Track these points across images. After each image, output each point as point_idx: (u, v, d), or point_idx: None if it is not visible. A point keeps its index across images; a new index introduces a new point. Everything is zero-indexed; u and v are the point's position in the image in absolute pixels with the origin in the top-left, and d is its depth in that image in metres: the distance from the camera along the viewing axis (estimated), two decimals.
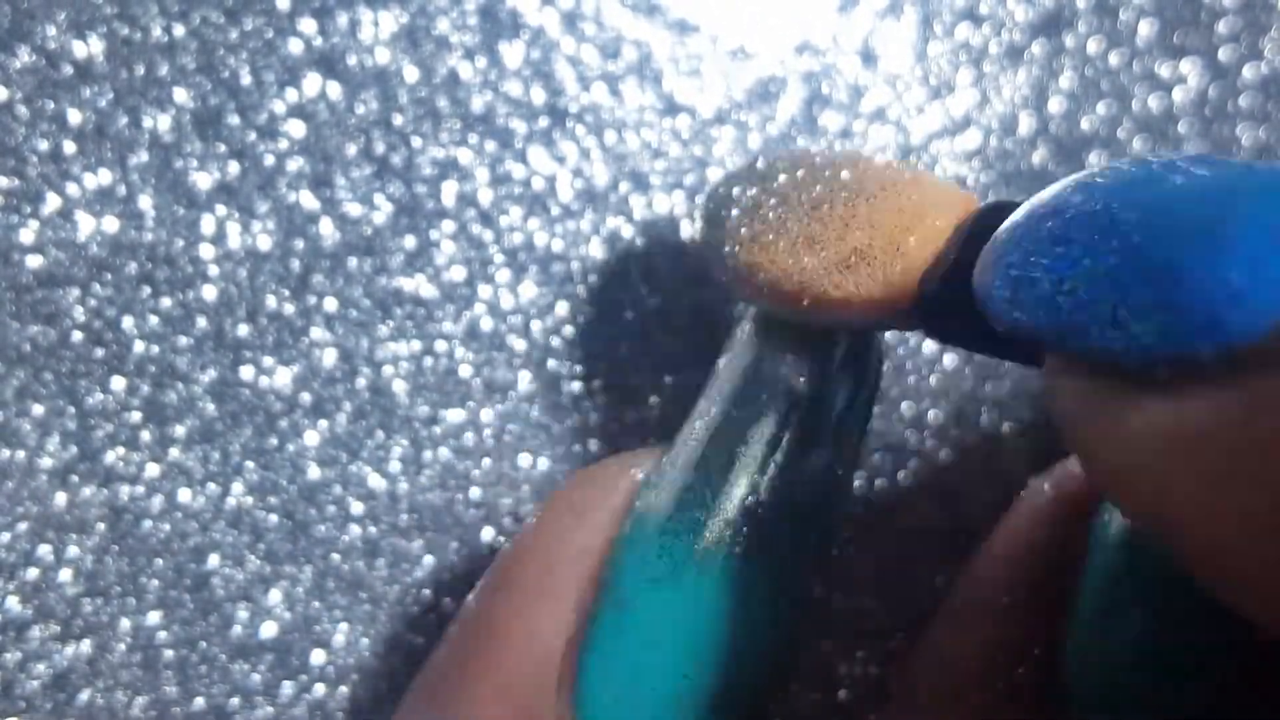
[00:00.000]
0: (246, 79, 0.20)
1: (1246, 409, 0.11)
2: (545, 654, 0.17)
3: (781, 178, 0.17)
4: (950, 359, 0.23)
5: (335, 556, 0.21)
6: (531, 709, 0.17)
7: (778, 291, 0.16)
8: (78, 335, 0.20)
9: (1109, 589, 0.18)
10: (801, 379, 0.17)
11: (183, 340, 0.21)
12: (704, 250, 0.17)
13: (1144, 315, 0.12)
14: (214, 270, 0.21)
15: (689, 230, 0.22)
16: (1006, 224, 0.14)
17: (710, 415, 0.17)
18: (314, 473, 0.21)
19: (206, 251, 0.21)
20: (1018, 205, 0.15)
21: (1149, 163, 0.13)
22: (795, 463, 0.17)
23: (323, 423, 0.21)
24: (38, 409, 0.20)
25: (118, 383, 0.21)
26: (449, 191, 0.21)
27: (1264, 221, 0.11)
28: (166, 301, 0.21)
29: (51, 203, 0.20)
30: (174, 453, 0.21)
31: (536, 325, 0.21)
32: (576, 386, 0.22)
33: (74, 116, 0.20)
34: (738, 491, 0.16)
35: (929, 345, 0.23)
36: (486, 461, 0.21)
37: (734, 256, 0.16)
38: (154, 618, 0.21)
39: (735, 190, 0.17)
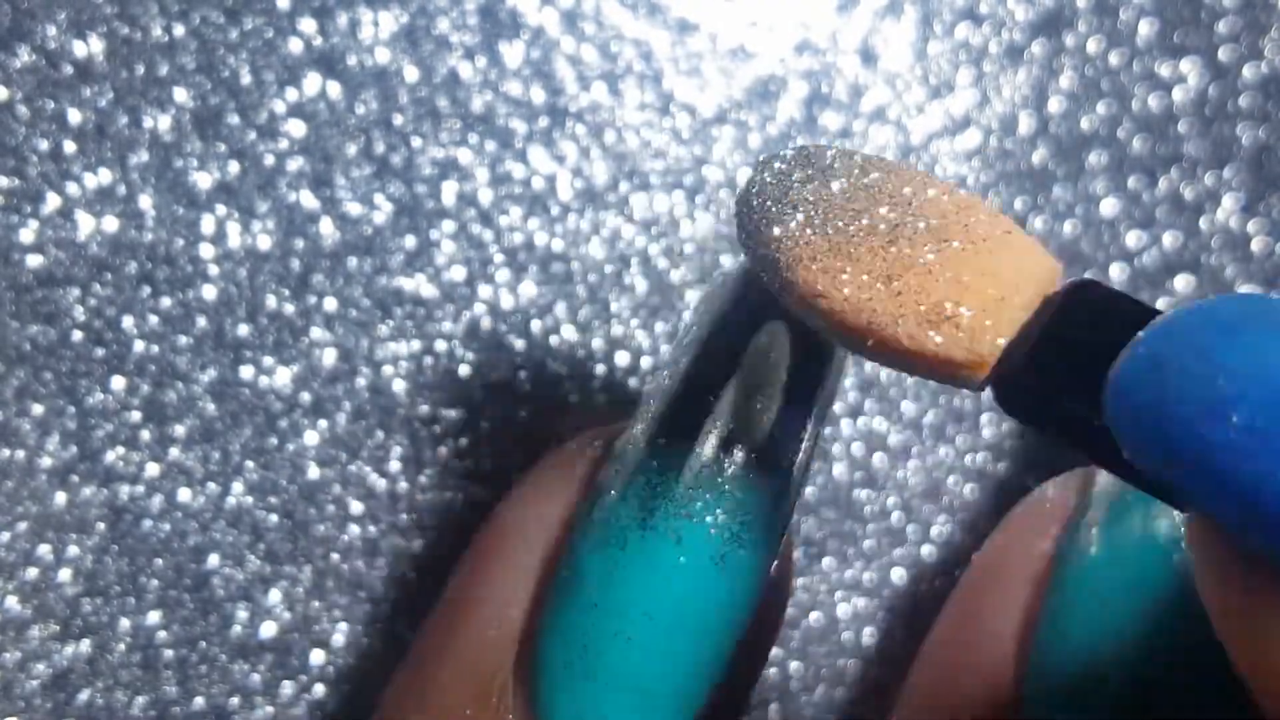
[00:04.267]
0: (246, 78, 0.21)
1: None
2: (506, 628, 0.17)
3: (852, 183, 0.15)
4: None
5: (335, 556, 0.21)
6: (491, 683, 0.17)
7: (840, 323, 0.14)
8: (78, 335, 0.20)
9: (1077, 602, 0.18)
10: (773, 351, 0.17)
11: (183, 340, 0.21)
12: (744, 241, 0.15)
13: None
14: (214, 270, 0.21)
15: (690, 230, 0.22)
16: (1135, 360, 0.12)
17: (673, 382, 0.17)
18: (314, 472, 0.21)
19: (206, 251, 0.21)
20: (1109, 291, 0.14)
21: None
22: (757, 430, 0.16)
23: (322, 422, 0.21)
24: (38, 408, 0.20)
25: (118, 382, 0.21)
26: (449, 191, 0.21)
27: None
28: (166, 301, 0.21)
29: (52, 202, 0.20)
30: (174, 452, 0.21)
31: (536, 325, 0.21)
32: (576, 386, 0.22)
33: (74, 116, 0.20)
34: (696, 460, 0.16)
35: None
36: (486, 461, 0.21)
37: (791, 270, 0.14)
38: (154, 617, 0.21)
39: (795, 181, 0.15)
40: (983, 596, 0.20)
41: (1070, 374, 0.13)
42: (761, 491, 0.16)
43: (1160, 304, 0.23)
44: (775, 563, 0.17)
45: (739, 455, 0.16)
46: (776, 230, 0.14)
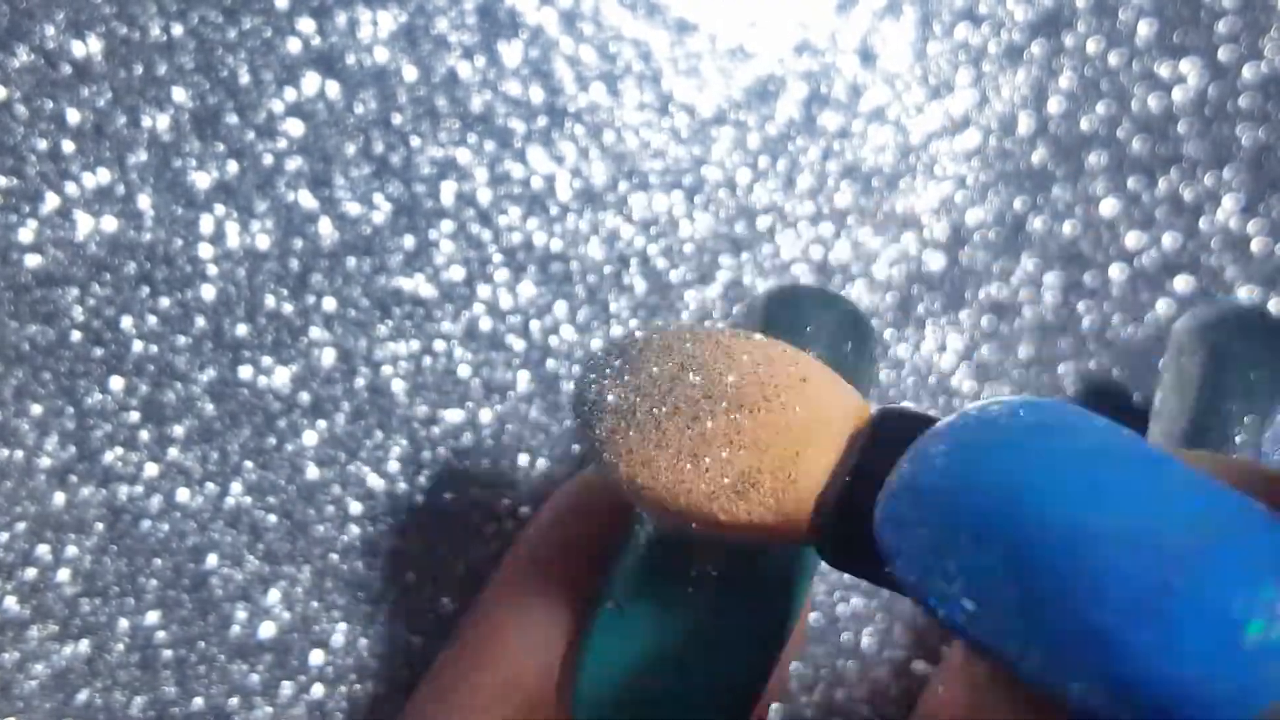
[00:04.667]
0: (245, 78, 0.20)
1: None
2: (545, 652, 0.17)
3: (654, 370, 0.15)
4: (949, 359, 0.23)
5: (334, 556, 0.21)
6: (532, 704, 0.17)
7: (665, 511, 0.14)
8: (76, 335, 0.20)
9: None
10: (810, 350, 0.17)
11: (181, 340, 0.21)
12: (582, 447, 0.16)
13: (1087, 678, 0.10)
14: (213, 270, 0.21)
15: (690, 230, 0.22)
16: (900, 473, 0.12)
17: None
18: (313, 472, 0.21)
19: (205, 251, 0.21)
20: (912, 414, 0.14)
21: (1062, 413, 0.12)
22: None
23: (321, 422, 0.21)
24: (36, 408, 0.20)
25: (116, 382, 0.21)
26: (448, 191, 0.21)
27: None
28: (165, 301, 0.21)
29: (50, 202, 0.20)
30: (172, 452, 0.21)
31: (535, 325, 0.21)
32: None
33: (73, 116, 0.20)
34: None
35: (928, 345, 0.23)
36: (485, 461, 0.21)
37: (614, 468, 0.15)
38: (152, 618, 0.21)
39: (605, 387, 0.15)
40: None
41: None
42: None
43: (1160, 304, 0.23)
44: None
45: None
46: (596, 430, 0.15)
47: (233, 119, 0.21)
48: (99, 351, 0.20)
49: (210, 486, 0.21)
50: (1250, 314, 0.21)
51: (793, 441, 0.14)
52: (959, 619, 0.11)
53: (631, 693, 0.16)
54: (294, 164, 0.21)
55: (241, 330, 0.21)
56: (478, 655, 0.18)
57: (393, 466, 0.21)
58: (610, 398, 0.15)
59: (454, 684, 0.18)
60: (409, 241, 0.21)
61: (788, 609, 0.16)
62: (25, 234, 0.20)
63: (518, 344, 0.21)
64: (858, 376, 0.17)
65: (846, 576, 0.22)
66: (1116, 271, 0.23)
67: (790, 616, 0.17)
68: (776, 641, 0.16)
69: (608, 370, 0.15)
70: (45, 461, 0.20)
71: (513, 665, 0.17)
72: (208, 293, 0.21)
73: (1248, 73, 0.23)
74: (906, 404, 0.14)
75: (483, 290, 0.21)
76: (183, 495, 0.21)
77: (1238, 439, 0.19)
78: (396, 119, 0.21)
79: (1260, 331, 0.21)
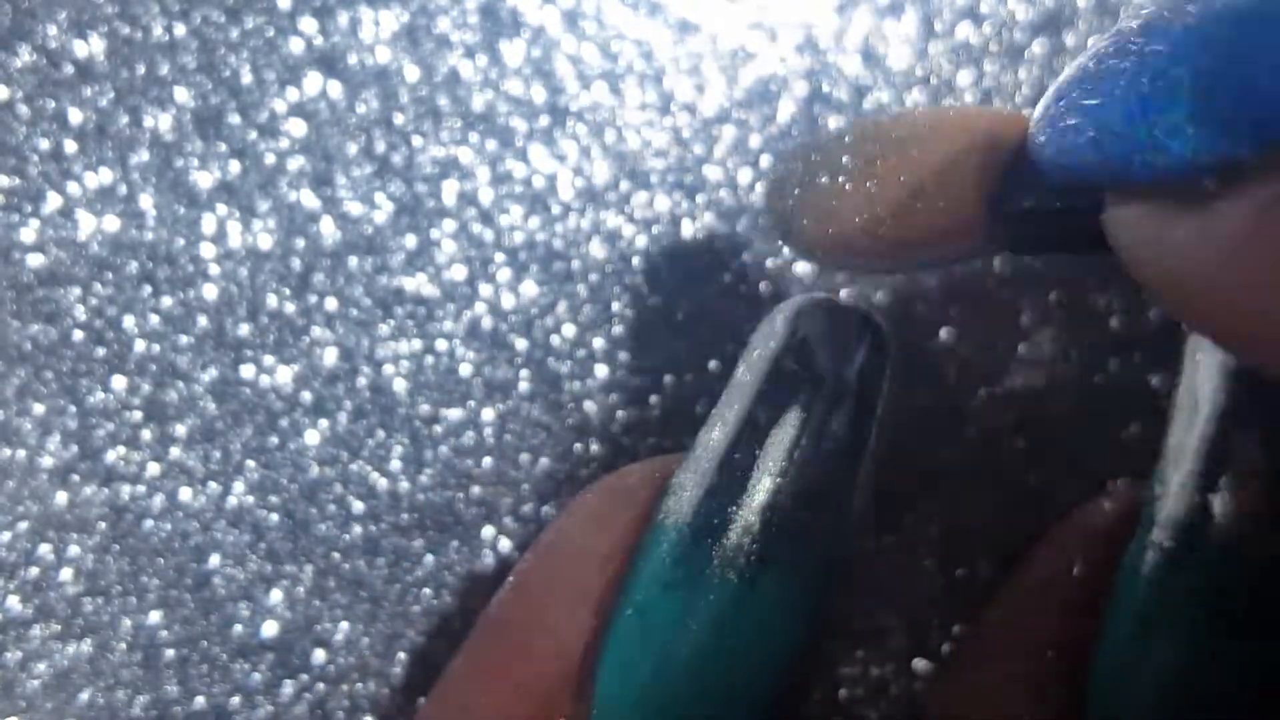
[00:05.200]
0: (247, 78, 0.21)
1: None
2: (564, 657, 0.17)
3: (834, 145, 0.17)
4: (949, 359, 0.23)
5: (336, 555, 0.21)
6: (549, 710, 0.17)
7: (853, 250, 0.16)
8: (79, 334, 0.20)
9: (1137, 624, 0.18)
10: (827, 366, 0.17)
11: (183, 339, 0.21)
12: (774, 231, 0.18)
13: (1177, 131, 0.12)
14: (215, 269, 0.21)
15: (691, 230, 0.22)
16: (1056, 81, 0.14)
17: (729, 418, 0.17)
18: (315, 472, 0.21)
19: (207, 250, 0.21)
20: None
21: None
22: (814, 462, 0.17)
23: (323, 422, 0.21)
24: (39, 408, 0.20)
25: (119, 382, 0.21)
26: (450, 190, 0.21)
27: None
28: (167, 300, 0.21)
29: (52, 202, 0.20)
30: (175, 452, 0.21)
31: (537, 324, 0.22)
32: (576, 386, 0.22)
33: (75, 115, 0.20)
34: (758, 498, 0.16)
35: (928, 346, 0.23)
36: (487, 460, 0.21)
37: (804, 232, 0.17)
38: (155, 617, 0.21)
39: (792, 167, 0.17)
40: (1011, 625, 0.20)
41: (1043, 187, 0.15)
42: (821, 534, 0.17)
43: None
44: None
45: (799, 500, 0.16)
46: (784, 212, 0.17)
47: (235, 119, 0.21)
48: (101, 351, 0.20)
49: (212, 486, 0.21)
50: None
51: (957, 150, 0.16)
52: (1180, 144, 0.12)
53: (651, 698, 0.16)
54: (296, 163, 0.21)
55: (244, 329, 0.21)
56: (495, 660, 0.18)
57: (395, 465, 0.21)
58: (792, 174, 0.17)
59: (470, 689, 0.18)
60: (411, 241, 0.21)
61: (810, 613, 0.17)
62: (27, 233, 0.20)
63: (520, 343, 0.21)
64: (875, 391, 0.17)
65: (847, 577, 0.23)
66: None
67: (812, 620, 0.17)
68: (798, 646, 0.16)
69: (795, 155, 0.17)
70: (47, 461, 0.20)
71: (531, 670, 0.17)
72: (210, 292, 0.21)
73: None
74: None
75: (484, 289, 0.21)
76: (185, 494, 0.21)
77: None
78: (398, 118, 0.21)
79: None
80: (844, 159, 0.17)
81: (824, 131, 0.18)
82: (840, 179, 0.17)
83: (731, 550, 0.16)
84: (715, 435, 0.17)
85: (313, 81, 0.21)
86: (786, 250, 0.22)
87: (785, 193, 0.17)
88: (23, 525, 0.20)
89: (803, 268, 0.22)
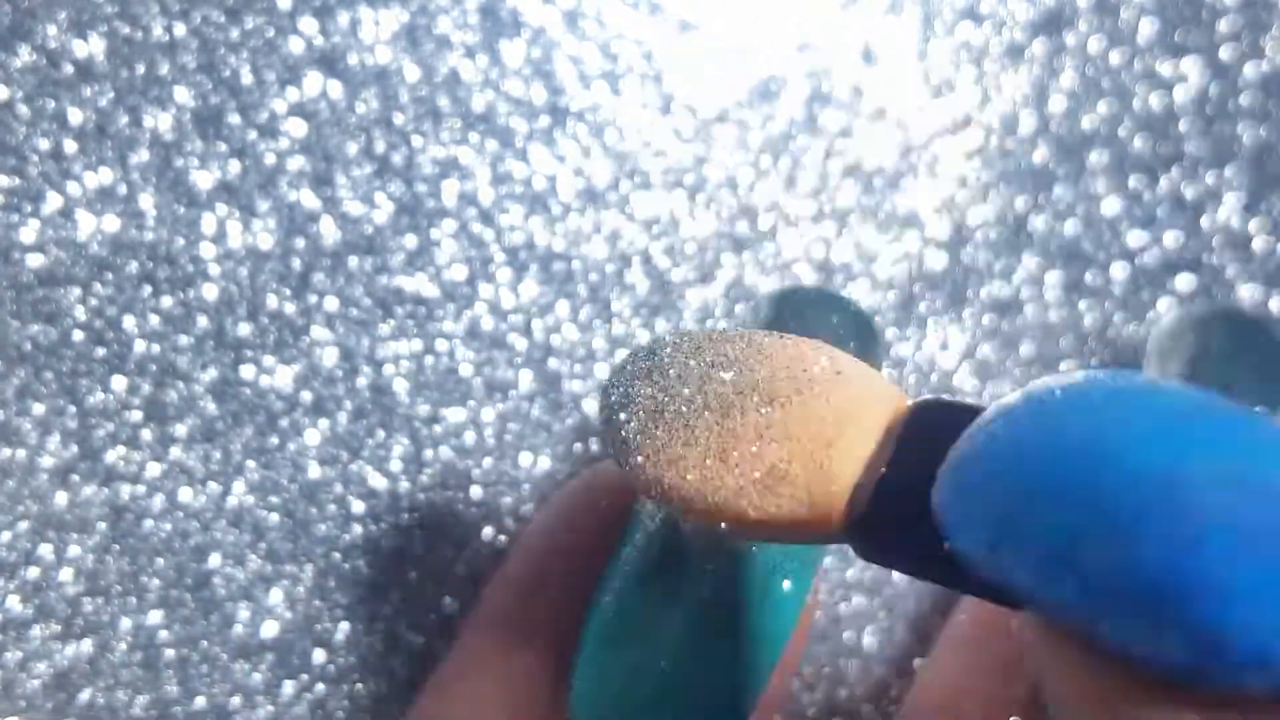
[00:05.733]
0: (247, 78, 0.21)
1: None
2: (545, 649, 0.17)
3: (683, 368, 0.15)
4: (951, 358, 0.23)
5: (336, 555, 0.21)
6: (531, 700, 0.17)
7: (691, 510, 0.14)
8: (79, 334, 0.20)
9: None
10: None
11: (183, 339, 0.21)
12: (608, 448, 0.15)
13: (1172, 631, 0.10)
14: (215, 269, 0.21)
15: (691, 229, 0.22)
16: (972, 442, 0.12)
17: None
18: (315, 472, 0.21)
19: (207, 250, 0.21)
20: (953, 405, 0.13)
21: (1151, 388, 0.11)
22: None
23: (324, 422, 0.21)
24: (38, 408, 0.20)
25: (119, 382, 0.21)
26: (450, 190, 0.21)
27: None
28: (167, 300, 0.21)
29: (52, 202, 0.20)
30: (175, 452, 0.21)
31: (537, 324, 0.21)
32: (576, 386, 0.22)
33: (75, 115, 0.20)
34: None
35: (930, 344, 0.23)
36: (487, 460, 0.21)
37: (640, 468, 0.14)
38: (155, 617, 0.21)
39: (633, 387, 0.15)
40: (986, 612, 0.20)
41: (917, 502, 0.12)
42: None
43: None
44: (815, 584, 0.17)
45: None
46: (622, 431, 0.15)
47: (235, 119, 0.21)
48: (101, 351, 0.20)
49: (213, 486, 0.21)
50: (1234, 316, 0.21)
51: (825, 431, 0.13)
52: (1030, 586, 0.11)
53: (627, 696, 0.16)
54: (296, 163, 0.21)
55: (244, 329, 0.21)
56: (481, 654, 0.18)
57: (395, 465, 0.21)
58: (639, 396, 0.15)
59: (459, 682, 0.18)
60: (411, 241, 0.21)
61: (784, 617, 0.16)
62: (27, 233, 0.20)
63: (520, 343, 0.21)
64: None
65: (850, 574, 0.23)
66: (1118, 270, 0.23)
67: (786, 624, 0.17)
68: (772, 648, 0.16)
69: (636, 370, 0.15)
70: (47, 461, 0.20)
71: (514, 663, 0.17)
72: (210, 292, 0.21)
73: (1249, 71, 0.23)
74: (937, 397, 0.14)
75: (485, 289, 0.21)
76: (185, 494, 0.21)
77: None
78: (398, 118, 0.21)
79: (1243, 334, 0.21)
80: (689, 395, 0.14)
81: (665, 340, 0.15)
82: (684, 423, 0.14)
83: (711, 541, 0.16)
84: None
85: (313, 81, 0.21)
86: (791, 245, 0.22)
87: (619, 416, 0.15)
88: (23, 525, 0.20)
89: (803, 268, 0.22)
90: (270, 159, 0.21)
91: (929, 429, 0.13)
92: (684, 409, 0.14)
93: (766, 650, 0.16)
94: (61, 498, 0.21)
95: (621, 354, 0.22)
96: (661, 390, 0.15)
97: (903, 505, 0.12)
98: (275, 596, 0.21)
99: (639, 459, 0.14)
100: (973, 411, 0.12)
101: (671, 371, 0.15)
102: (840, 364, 0.14)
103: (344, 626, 0.21)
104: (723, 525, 0.14)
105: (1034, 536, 0.11)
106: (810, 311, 0.17)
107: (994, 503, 0.11)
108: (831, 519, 0.13)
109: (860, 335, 0.17)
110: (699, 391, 0.14)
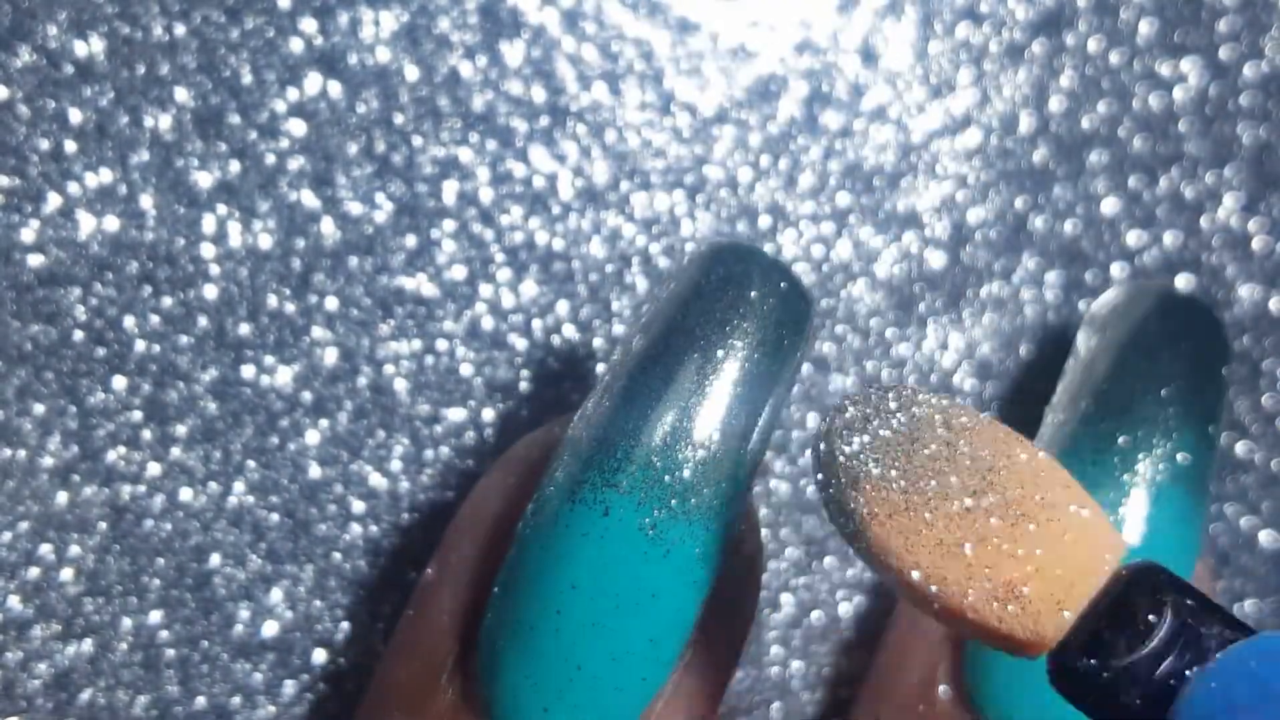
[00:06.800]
0: (247, 78, 0.21)
1: None
2: (456, 616, 0.17)
3: (935, 447, 0.15)
4: (951, 358, 0.23)
5: (337, 555, 0.21)
6: (441, 669, 0.17)
7: (905, 584, 0.14)
8: (79, 334, 0.20)
9: None
10: (740, 306, 0.16)
11: (184, 339, 0.21)
12: (819, 481, 0.15)
13: None
14: (215, 269, 0.21)
15: (691, 229, 0.22)
16: (1246, 663, 0.13)
17: (620, 362, 0.17)
18: (315, 472, 0.21)
19: (207, 250, 0.21)
20: (1168, 574, 0.14)
21: None
22: (700, 406, 0.16)
23: (324, 422, 0.21)
24: (39, 408, 0.20)
25: (119, 382, 0.21)
26: (450, 190, 0.21)
27: None
28: (168, 300, 0.21)
29: (53, 202, 0.20)
30: (175, 452, 0.21)
31: (537, 324, 0.22)
32: (576, 386, 0.22)
33: (75, 115, 0.20)
34: (630, 433, 0.16)
35: (929, 344, 0.23)
36: (488, 460, 0.21)
37: (866, 525, 0.14)
38: (155, 617, 0.21)
39: (877, 431, 0.15)
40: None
41: (1126, 668, 0.13)
42: (702, 465, 0.16)
43: None
44: (733, 538, 0.17)
45: (677, 430, 0.16)
46: (858, 478, 0.15)
47: (235, 119, 0.21)
48: (101, 351, 0.20)
49: (213, 486, 0.21)
50: (1178, 297, 0.21)
51: (1067, 569, 0.14)
52: None
53: (529, 641, 0.16)
54: (296, 163, 0.21)
55: (244, 329, 0.21)
56: (404, 635, 0.18)
57: (395, 465, 0.21)
58: (873, 467, 0.15)
59: (387, 663, 0.19)
60: (411, 241, 0.21)
61: (703, 551, 0.16)
62: (27, 234, 0.20)
63: (520, 343, 0.21)
64: (789, 355, 0.17)
65: (849, 575, 0.23)
66: (1118, 270, 0.23)
67: (710, 562, 0.16)
68: (694, 588, 0.16)
69: (874, 423, 0.15)
70: (48, 461, 0.20)
71: (427, 636, 0.18)
72: (210, 292, 0.21)
73: (1249, 71, 0.23)
74: (1154, 561, 0.14)
75: (485, 289, 0.21)
76: (185, 494, 0.21)
77: (1120, 440, 0.19)
78: (398, 118, 0.21)
79: (1185, 316, 0.20)
80: (954, 481, 0.14)
81: (895, 399, 0.15)
82: (927, 501, 0.14)
83: (594, 482, 0.16)
84: (608, 378, 0.17)
85: (313, 81, 0.21)
86: (790, 244, 0.22)
87: (852, 470, 0.15)
88: (23, 525, 0.20)
89: (803, 268, 0.22)
90: (270, 159, 0.21)
91: (1144, 591, 0.14)
92: (927, 486, 0.14)
93: (670, 600, 0.16)
94: (62, 498, 0.21)
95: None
96: (907, 457, 0.15)
97: (1106, 665, 0.13)
98: (275, 596, 0.21)
99: (872, 519, 0.14)
100: (1190, 591, 0.14)
101: (918, 444, 0.15)
102: (1082, 498, 0.14)
103: (345, 626, 0.21)
104: (916, 603, 0.14)
105: None
106: (751, 276, 0.17)
107: None
108: (1041, 648, 0.14)
109: (796, 314, 0.17)
110: (944, 473, 0.14)
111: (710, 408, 0.16)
